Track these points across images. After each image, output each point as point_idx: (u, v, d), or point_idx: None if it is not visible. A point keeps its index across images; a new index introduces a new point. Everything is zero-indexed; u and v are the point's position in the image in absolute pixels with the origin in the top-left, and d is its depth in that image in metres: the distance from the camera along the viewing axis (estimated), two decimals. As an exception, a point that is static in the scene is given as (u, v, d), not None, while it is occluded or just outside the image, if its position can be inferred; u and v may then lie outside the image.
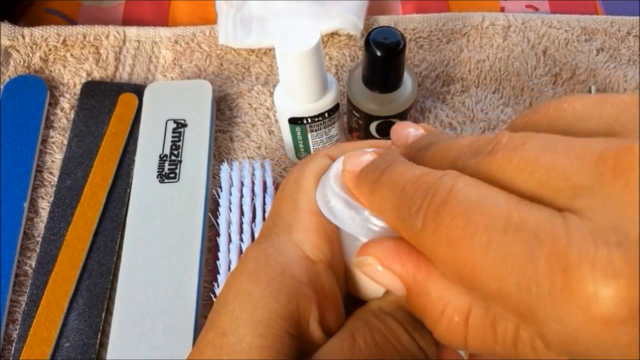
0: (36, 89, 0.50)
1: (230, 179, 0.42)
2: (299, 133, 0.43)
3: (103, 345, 0.41)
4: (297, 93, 0.40)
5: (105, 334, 0.41)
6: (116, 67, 0.52)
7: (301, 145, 0.44)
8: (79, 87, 0.50)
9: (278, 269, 0.20)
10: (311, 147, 0.44)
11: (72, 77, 0.51)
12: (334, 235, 0.22)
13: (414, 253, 0.18)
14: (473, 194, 0.16)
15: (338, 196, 0.20)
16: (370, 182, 0.19)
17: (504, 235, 0.15)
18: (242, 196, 0.42)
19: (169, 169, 0.45)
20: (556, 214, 0.15)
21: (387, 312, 0.21)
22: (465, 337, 0.18)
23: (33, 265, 0.43)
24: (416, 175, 0.17)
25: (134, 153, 0.47)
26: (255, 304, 0.20)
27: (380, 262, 0.19)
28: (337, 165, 0.21)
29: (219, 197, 0.42)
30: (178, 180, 0.45)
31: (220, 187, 0.42)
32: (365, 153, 0.20)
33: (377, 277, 0.19)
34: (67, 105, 0.50)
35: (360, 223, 0.20)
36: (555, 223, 0.15)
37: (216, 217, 0.42)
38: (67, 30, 0.53)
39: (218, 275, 0.40)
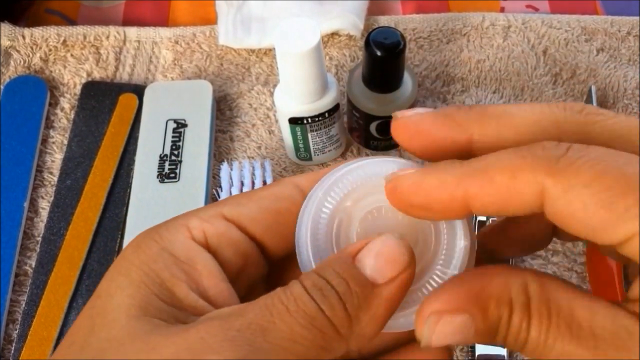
0: (36, 89, 0.50)
1: (230, 178, 0.42)
2: (299, 133, 0.43)
3: (103, 345, 0.41)
4: (297, 93, 0.40)
5: (105, 333, 0.41)
6: (116, 67, 0.52)
7: (301, 145, 0.44)
8: (79, 87, 0.50)
9: (160, 243, 0.22)
10: (311, 147, 0.44)
11: (72, 77, 0.51)
12: (229, 230, 0.24)
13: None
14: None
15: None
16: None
17: None
18: (242, 196, 0.42)
19: (169, 168, 0.45)
20: None
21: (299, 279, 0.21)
22: None
23: (33, 265, 0.43)
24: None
25: (134, 153, 0.47)
26: (129, 267, 0.21)
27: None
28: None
29: (219, 197, 0.42)
30: (178, 180, 0.45)
31: (220, 186, 0.42)
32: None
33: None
34: (67, 105, 0.50)
35: None
36: None
37: (216, 217, 0.42)
38: (67, 31, 0.53)
39: (218, 275, 0.40)
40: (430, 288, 0.22)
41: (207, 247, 0.23)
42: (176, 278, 0.21)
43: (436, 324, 0.20)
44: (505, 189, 0.19)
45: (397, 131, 0.22)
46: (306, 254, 0.23)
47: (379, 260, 0.21)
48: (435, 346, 0.20)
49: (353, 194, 0.23)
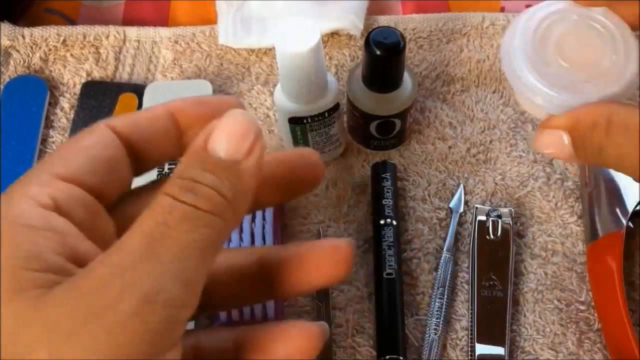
0: (36, 88, 0.50)
1: (230, 178, 0.42)
2: (298, 132, 0.43)
3: (103, 344, 0.41)
4: (297, 93, 0.40)
5: (105, 333, 0.41)
6: (116, 67, 0.52)
7: (301, 145, 0.44)
8: (79, 86, 0.50)
9: (9, 219, 0.22)
10: (311, 146, 0.44)
11: (72, 77, 0.51)
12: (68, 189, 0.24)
13: None
14: None
15: None
16: None
17: None
18: (242, 196, 0.42)
19: (168, 168, 0.45)
20: None
21: None
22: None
23: (33, 265, 0.43)
24: None
25: (134, 153, 0.47)
26: None
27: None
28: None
29: (219, 197, 0.42)
30: (178, 179, 0.45)
31: (220, 186, 0.42)
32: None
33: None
34: (67, 105, 0.50)
35: None
36: None
37: (216, 216, 0.42)
38: (67, 30, 0.53)
39: (218, 275, 0.40)
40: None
41: (59, 212, 0.22)
42: (39, 246, 0.21)
43: (542, 134, 0.32)
44: None
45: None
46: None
47: (232, 139, 0.22)
48: (540, 149, 0.32)
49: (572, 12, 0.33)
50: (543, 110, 0.34)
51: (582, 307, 0.41)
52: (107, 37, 0.53)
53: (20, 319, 0.20)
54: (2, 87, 0.50)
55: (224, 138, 0.22)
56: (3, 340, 0.19)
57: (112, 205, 0.25)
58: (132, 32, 0.53)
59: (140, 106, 0.48)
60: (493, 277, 0.41)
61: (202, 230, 0.21)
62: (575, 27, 0.33)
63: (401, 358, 0.39)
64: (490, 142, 0.47)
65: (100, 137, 0.25)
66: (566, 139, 0.31)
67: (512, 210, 0.43)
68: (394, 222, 0.43)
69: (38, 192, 0.22)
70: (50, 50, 0.52)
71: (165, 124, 0.26)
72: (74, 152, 0.24)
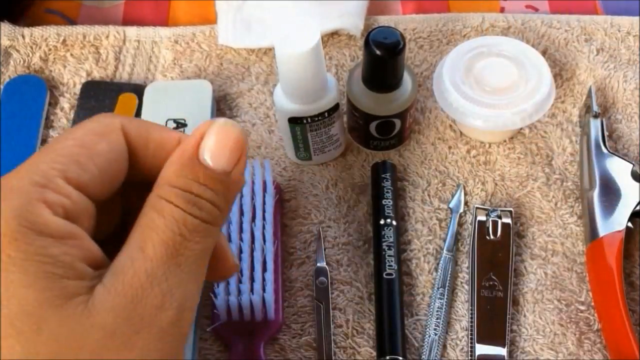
0: (36, 88, 0.50)
1: (230, 178, 0.42)
2: (298, 132, 0.43)
3: (103, 344, 0.41)
4: (297, 93, 0.40)
5: (104, 333, 0.41)
6: (116, 67, 0.52)
7: (301, 145, 0.44)
8: (78, 87, 0.50)
9: (34, 229, 0.22)
10: (311, 147, 0.44)
11: (72, 77, 0.51)
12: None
13: None
14: None
15: None
16: None
17: None
18: (242, 196, 0.42)
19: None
20: None
21: (165, 196, 0.24)
22: None
23: (33, 265, 0.43)
24: None
25: (133, 153, 0.47)
26: (21, 265, 0.21)
27: None
28: None
29: (219, 197, 0.42)
30: (178, 179, 0.45)
31: (220, 186, 0.42)
32: None
33: None
34: (67, 105, 0.50)
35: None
36: None
37: (216, 216, 0.42)
38: (67, 30, 0.53)
39: (218, 275, 0.40)
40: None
41: (70, 218, 0.23)
42: (70, 255, 0.22)
43: None
44: None
45: None
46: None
47: (224, 151, 0.24)
48: None
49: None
50: (476, 129, 0.42)
51: (582, 307, 0.41)
52: (107, 37, 0.53)
53: (75, 324, 0.21)
54: (2, 87, 0.50)
55: (218, 150, 0.24)
56: (60, 345, 0.21)
57: None
58: (132, 32, 0.53)
59: (140, 106, 0.48)
60: (493, 277, 0.41)
61: (206, 240, 0.24)
62: (497, 59, 0.44)
63: (401, 358, 0.39)
64: (490, 143, 0.47)
65: (113, 145, 0.25)
66: None
67: (512, 210, 0.43)
68: (394, 223, 0.43)
69: (56, 200, 0.23)
70: (50, 50, 0.52)
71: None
72: (87, 158, 0.24)
